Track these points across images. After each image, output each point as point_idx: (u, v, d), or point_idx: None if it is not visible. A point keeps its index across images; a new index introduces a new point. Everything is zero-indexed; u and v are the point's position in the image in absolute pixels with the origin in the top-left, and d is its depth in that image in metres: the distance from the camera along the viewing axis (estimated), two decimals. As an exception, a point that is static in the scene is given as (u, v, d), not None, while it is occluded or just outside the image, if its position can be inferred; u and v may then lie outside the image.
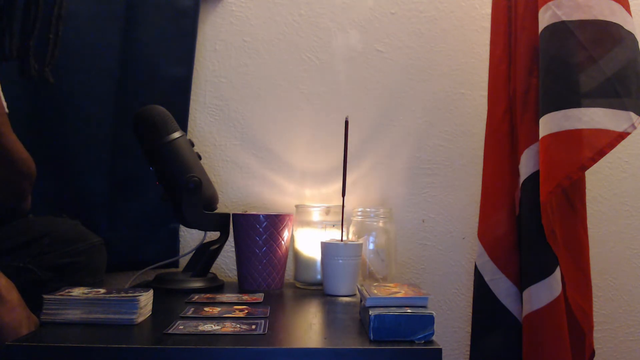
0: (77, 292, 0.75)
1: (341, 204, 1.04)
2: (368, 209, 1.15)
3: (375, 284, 0.84)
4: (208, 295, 0.96)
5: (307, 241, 1.11)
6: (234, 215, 1.07)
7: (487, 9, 1.27)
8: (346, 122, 1.03)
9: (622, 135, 0.95)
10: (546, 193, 0.98)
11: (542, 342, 1.01)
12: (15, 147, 0.88)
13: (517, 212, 1.11)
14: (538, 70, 1.06)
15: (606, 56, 0.98)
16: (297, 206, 1.16)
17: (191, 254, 1.11)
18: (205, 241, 1.10)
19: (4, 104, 0.88)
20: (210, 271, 1.10)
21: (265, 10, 1.31)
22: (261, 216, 1.04)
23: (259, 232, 1.03)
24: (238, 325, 0.72)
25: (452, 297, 1.32)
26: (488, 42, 1.20)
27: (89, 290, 0.76)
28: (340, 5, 1.32)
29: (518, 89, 1.11)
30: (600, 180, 1.35)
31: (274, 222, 1.04)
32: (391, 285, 0.81)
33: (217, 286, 1.07)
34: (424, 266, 1.32)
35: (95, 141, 1.17)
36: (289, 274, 1.15)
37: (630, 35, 1.00)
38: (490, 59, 1.19)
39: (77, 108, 1.16)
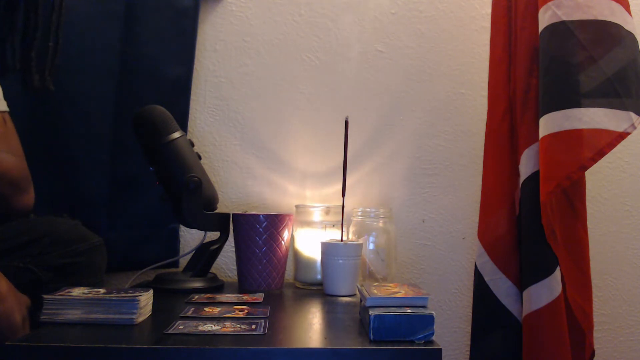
0: (77, 292, 0.75)
1: (341, 204, 1.04)
2: (368, 209, 1.15)
3: (375, 284, 0.84)
4: (208, 295, 0.96)
5: (307, 241, 1.11)
6: (234, 215, 1.07)
7: (487, 9, 1.28)
8: (346, 122, 1.03)
9: (622, 135, 0.95)
10: (546, 193, 0.98)
11: (542, 342, 1.01)
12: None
13: (517, 212, 1.11)
14: (538, 70, 1.06)
15: (606, 56, 0.98)
16: (297, 206, 1.16)
17: (191, 254, 1.11)
18: (205, 241, 1.10)
19: (4, 102, 0.88)
20: (210, 271, 1.10)
21: (265, 11, 1.31)
22: (261, 216, 1.04)
23: (259, 232, 1.03)
24: (238, 325, 0.72)
25: (452, 297, 1.32)
26: (488, 42, 1.20)
27: (89, 290, 0.76)
28: (340, 6, 1.32)
29: (518, 89, 1.11)
30: (600, 180, 1.35)
31: (274, 222, 1.04)
32: (391, 285, 0.81)
33: (217, 286, 1.07)
34: (424, 266, 1.32)
35: (95, 141, 1.17)
36: (289, 274, 1.15)
37: (630, 36, 1.00)
38: (490, 59, 1.19)
39: (77, 108, 1.16)
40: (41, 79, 0.80)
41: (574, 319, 1.03)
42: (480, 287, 1.12)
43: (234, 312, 0.81)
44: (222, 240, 1.10)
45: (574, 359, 1.03)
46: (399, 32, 1.33)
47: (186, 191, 1.01)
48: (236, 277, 1.10)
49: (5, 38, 0.76)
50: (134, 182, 1.20)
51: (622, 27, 1.00)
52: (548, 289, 1.01)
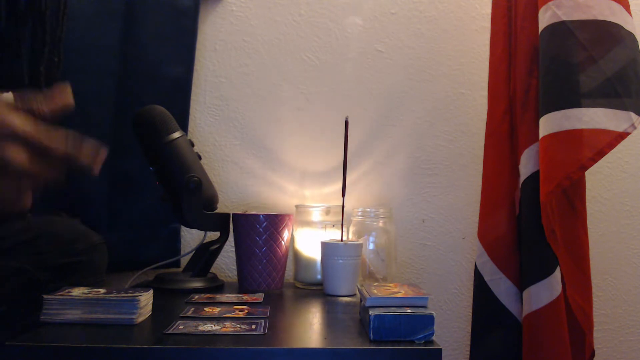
0: (77, 292, 0.75)
1: (341, 204, 1.04)
2: (368, 209, 1.15)
3: (375, 284, 0.84)
4: (208, 295, 0.96)
5: (307, 241, 1.11)
6: (234, 215, 1.07)
7: (487, 9, 1.28)
8: (346, 122, 1.03)
9: (622, 135, 0.95)
10: (546, 193, 0.98)
11: (542, 342, 1.01)
12: None
13: (517, 212, 1.11)
14: (538, 70, 1.06)
15: (606, 56, 0.98)
16: (297, 206, 1.16)
17: (191, 254, 1.11)
18: (205, 241, 1.10)
19: None
20: (210, 271, 1.10)
21: (265, 11, 1.31)
22: (261, 216, 1.04)
23: (259, 232, 1.03)
24: (238, 325, 0.72)
25: (452, 297, 1.32)
26: (488, 42, 1.20)
27: (89, 290, 0.76)
28: (340, 5, 1.32)
29: (518, 89, 1.11)
30: (600, 180, 1.35)
31: (274, 222, 1.04)
32: (391, 285, 0.81)
33: (217, 286, 1.07)
34: (424, 266, 1.32)
35: (95, 141, 1.17)
36: (289, 274, 1.15)
37: (630, 36, 1.00)
38: (490, 59, 1.19)
39: (77, 108, 1.15)
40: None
41: (574, 319, 1.03)
42: (480, 287, 1.12)
43: (234, 312, 0.81)
44: (222, 240, 1.10)
45: (574, 359, 1.03)
46: (399, 32, 1.33)
47: (186, 191, 1.01)
48: (236, 277, 1.10)
49: (15, 53, 0.77)
50: (134, 182, 1.19)
51: (622, 27, 1.00)
52: (548, 289, 1.01)
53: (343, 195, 1.04)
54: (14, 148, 0.50)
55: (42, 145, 0.52)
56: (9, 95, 0.54)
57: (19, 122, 0.51)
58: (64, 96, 0.58)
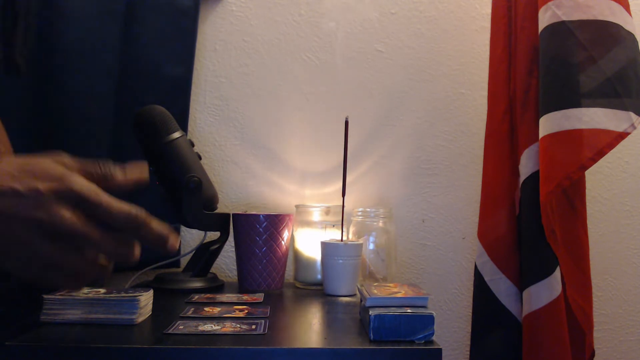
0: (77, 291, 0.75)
1: (341, 204, 1.04)
2: (368, 209, 1.15)
3: (375, 284, 0.84)
4: (208, 295, 0.96)
5: (307, 241, 1.11)
6: (234, 215, 1.07)
7: (487, 9, 1.28)
8: (346, 122, 1.03)
9: (622, 135, 0.96)
10: (546, 193, 0.98)
11: (542, 342, 1.02)
12: None
13: (517, 212, 1.11)
14: (538, 70, 1.06)
15: (606, 56, 0.98)
16: (297, 206, 1.16)
17: (191, 254, 1.11)
18: (205, 241, 1.10)
19: None
20: (210, 271, 1.10)
21: (265, 11, 1.31)
22: (261, 216, 1.04)
23: (259, 232, 1.03)
24: (238, 325, 0.72)
25: (452, 297, 1.32)
26: (488, 42, 1.20)
27: (89, 290, 0.76)
28: (340, 6, 1.32)
29: (518, 89, 1.11)
30: (600, 180, 1.35)
31: (274, 222, 1.04)
32: (391, 285, 0.81)
33: (217, 286, 1.07)
34: (424, 266, 1.32)
35: (95, 141, 1.17)
36: (289, 274, 1.15)
37: (630, 36, 1.00)
38: (490, 59, 1.19)
39: (77, 108, 1.15)
40: (19, 62, 0.80)
41: (574, 319, 1.03)
42: (480, 287, 1.12)
43: (234, 312, 0.81)
44: (222, 240, 1.10)
45: (574, 359, 1.04)
46: (399, 32, 1.33)
47: (186, 191, 1.01)
48: (236, 277, 1.10)
49: None
50: (133, 182, 1.19)
51: (622, 27, 1.00)
52: (548, 289, 1.01)
53: (343, 195, 1.04)
54: (69, 209, 0.48)
55: (107, 212, 0.50)
56: (75, 162, 0.52)
57: (82, 184, 0.48)
58: (140, 170, 0.54)
